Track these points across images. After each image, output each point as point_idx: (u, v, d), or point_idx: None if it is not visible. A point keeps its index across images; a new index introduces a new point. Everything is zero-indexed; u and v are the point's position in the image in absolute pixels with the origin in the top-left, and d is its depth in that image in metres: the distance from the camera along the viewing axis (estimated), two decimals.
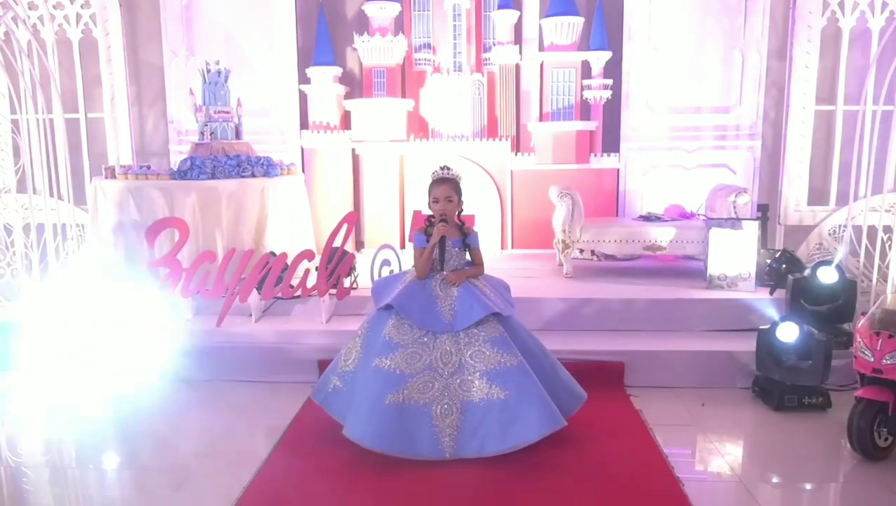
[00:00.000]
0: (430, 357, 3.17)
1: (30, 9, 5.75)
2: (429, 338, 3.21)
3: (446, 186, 3.32)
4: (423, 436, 3.07)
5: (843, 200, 5.71)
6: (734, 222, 4.72)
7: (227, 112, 5.35)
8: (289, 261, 4.43)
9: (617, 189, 6.20)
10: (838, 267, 4.28)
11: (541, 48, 6.27)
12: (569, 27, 6.03)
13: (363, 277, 4.58)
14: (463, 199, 3.40)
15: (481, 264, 3.44)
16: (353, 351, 3.35)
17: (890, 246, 4.69)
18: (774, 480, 3.10)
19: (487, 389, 3.10)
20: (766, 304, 4.48)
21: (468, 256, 3.42)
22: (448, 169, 3.37)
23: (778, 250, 4.96)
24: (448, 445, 3.07)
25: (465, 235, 3.39)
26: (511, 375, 3.11)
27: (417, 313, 3.23)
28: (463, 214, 3.45)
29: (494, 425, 3.07)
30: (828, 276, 4.19)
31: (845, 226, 5.21)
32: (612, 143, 6.23)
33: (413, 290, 3.29)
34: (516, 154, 6.29)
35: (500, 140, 6.27)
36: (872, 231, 4.79)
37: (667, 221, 5.42)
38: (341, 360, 3.38)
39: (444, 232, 3.29)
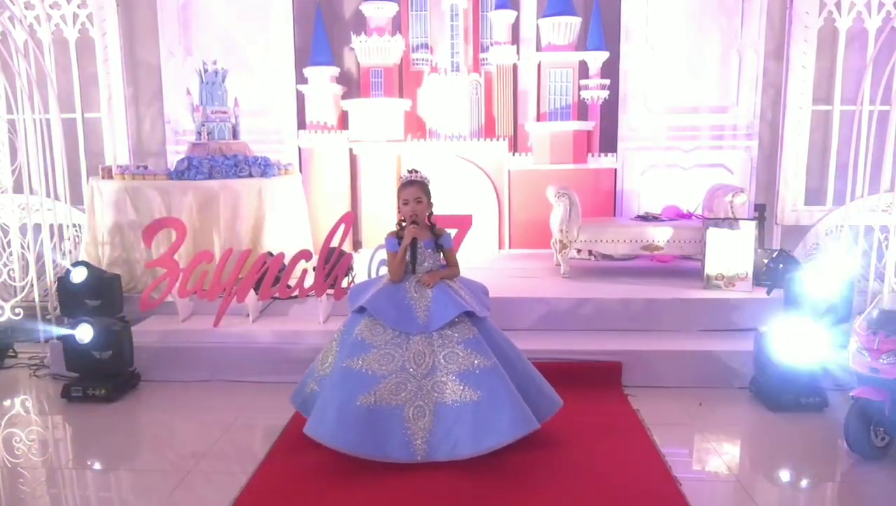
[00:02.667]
0: (403, 358, 3.15)
1: (26, 8, 5.73)
2: (402, 339, 3.19)
3: (414, 187, 3.31)
4: (394, 438, 3.04)
5: (839, 200, 5.71)
6: (731, 222, 4.73)
7: (225, 112, 5.34)
8: (286, 261, 4.42)
9: (614, 189, 6.20)
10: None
11: (538, 48, 6.27)
12: (566, 27, 6.03)
13: (360, 277, 4.57)
14: (433, 200, 3.38)
15: (456, 266, 3.43)
16: (330, 354, 3.34)
17: (887, 246, 4.71)
18: (772, 479, 3.10)
19: (460, 390, 3.08)
20: (763, 304, 4.49)
21: (443, 259, 3.41)
22: (416, 172, 3.37)
23: (775, 250, 4.96)
24: (420, 447, 3.04)
25: (437, 236, 3.38)
26: (484, 376, 3.09)
27: (392, 314, 3.21)
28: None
29: (467, 427, 3.03)
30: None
31: (842, 226, 5.22)
32: (609, 143, 6.23)
33: (388, 292, 3.28)
34: (514, 154, 6.29)
35: (498, 140, 6.26)
36: (869, 231, 4.81)
37: (664, 220, 5.42)
38: (318, 364, 3.37)
39: (415, 234, 3.28)
